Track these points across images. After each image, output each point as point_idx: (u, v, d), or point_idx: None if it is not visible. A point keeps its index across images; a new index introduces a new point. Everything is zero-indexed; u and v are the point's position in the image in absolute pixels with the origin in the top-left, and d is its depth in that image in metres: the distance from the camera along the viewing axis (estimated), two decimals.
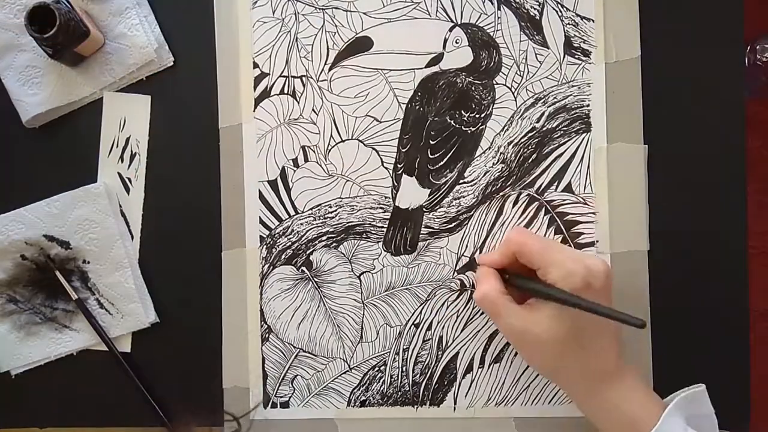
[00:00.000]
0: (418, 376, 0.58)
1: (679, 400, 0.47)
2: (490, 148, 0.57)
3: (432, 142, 0.58)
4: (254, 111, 0.59)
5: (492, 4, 0.57)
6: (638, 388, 0.48)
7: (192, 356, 0.59)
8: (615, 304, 0.56)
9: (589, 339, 0.47)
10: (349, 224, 0.58)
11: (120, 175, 0.60)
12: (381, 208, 0.58)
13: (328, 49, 0.58)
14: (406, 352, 0.58)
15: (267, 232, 0.59)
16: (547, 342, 0.47)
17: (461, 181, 0.57)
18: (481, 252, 0.57)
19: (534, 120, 0.57)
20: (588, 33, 0.56)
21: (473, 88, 0.57)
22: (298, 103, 0.58)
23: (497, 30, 0.57)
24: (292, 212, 0.58)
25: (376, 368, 0.58)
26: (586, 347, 0.47)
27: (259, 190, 0.59)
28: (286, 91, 0.58)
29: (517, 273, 0.52)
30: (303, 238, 0.58)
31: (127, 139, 0.60)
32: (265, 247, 0.59)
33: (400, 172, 0.58)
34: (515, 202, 0.57)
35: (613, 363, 0.48)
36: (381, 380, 0.58)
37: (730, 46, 0.57)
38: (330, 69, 0.58)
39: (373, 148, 0.58)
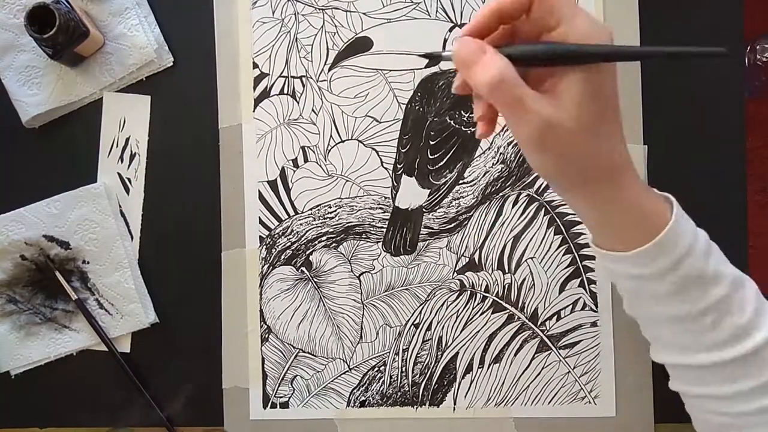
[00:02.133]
0: (417, 376, 0.58)
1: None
2: (489, 148, 0.57)
3: (432, 143, 0.57)
4: (254, 111, 0.59)
5: None
6: (641, 185, 0.44)
7: (192, 356, 0.60)
8: (615, 304, 0.56)
9: (606, 126, 0.41)
10: (349, 224, 0.58)
11: (120, 175, 0.60)
12: (381, 208, 0.58)
13: (327, 49, 0.58)
14: (406, 353, 0.58)
15: (267, 233, 0.59)
16: (571, 130, 0.40)
17: (461, 181, 0.57)
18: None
19: None
20: None
21: None
22: (298, 103, 0.58)
23: None
24: (291, 212, 0.58)
25: (376, 368, 0.58)
26: (601, 136, 0.41)
27: (259, 191, 0.59)
28: (285, 92, 0.58)
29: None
30: (303, 239, 0.58)
31: (127, 139, 0.60)
32: (264, 247, 0.59)
33: (399, 172, 0.58)
34: (515, 203, 0.57)
35: (622, 156, 0.43)
36: (381, 380, 0.58)
37: (730, 46, 0.57)
38: (330, 69, 0.58)
39: (373, 149, 0.58)
